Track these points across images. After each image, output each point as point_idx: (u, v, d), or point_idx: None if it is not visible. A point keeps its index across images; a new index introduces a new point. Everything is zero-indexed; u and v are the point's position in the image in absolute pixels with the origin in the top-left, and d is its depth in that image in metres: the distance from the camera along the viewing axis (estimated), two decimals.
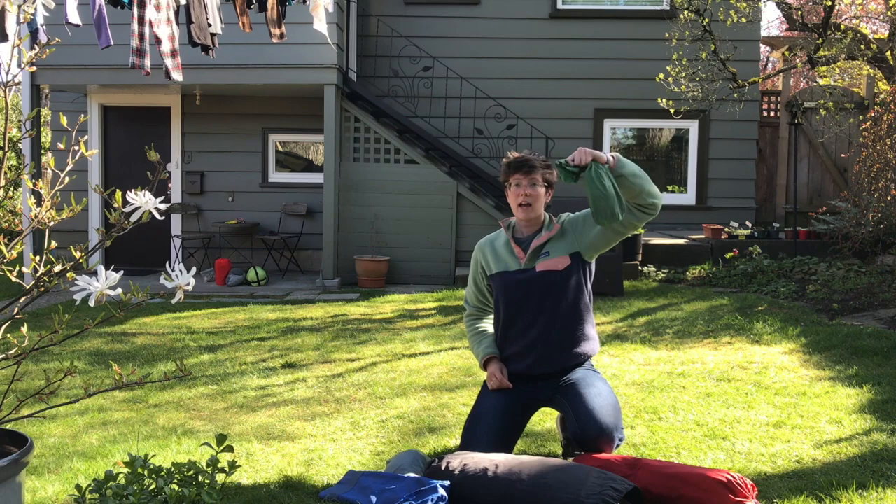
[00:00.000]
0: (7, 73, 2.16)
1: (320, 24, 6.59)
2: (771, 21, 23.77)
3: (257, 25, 6.79)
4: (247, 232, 9.95)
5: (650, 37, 9.84)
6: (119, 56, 7.37)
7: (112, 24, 6.58)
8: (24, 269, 2.19)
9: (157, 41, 5.72)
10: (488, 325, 3.42)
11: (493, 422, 3.11)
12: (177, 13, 6.01)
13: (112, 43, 5.71)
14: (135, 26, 5.64)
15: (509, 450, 3.12)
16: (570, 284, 3.17)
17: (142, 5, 5.62)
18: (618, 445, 3.05)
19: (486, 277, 3.34)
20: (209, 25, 6.19)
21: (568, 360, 3.19)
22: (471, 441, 3.09)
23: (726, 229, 9.01)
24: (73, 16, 5.38)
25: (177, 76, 5.88)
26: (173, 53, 5.83)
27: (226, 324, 6.52)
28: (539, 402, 3.25)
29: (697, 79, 8.45)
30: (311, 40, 7.70)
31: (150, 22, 5.65)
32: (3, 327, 2.20)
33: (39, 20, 5.18)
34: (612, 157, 2.99)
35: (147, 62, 5.75)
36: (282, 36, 6.53)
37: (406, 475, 2.82)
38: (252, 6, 6.56)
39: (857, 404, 3.85)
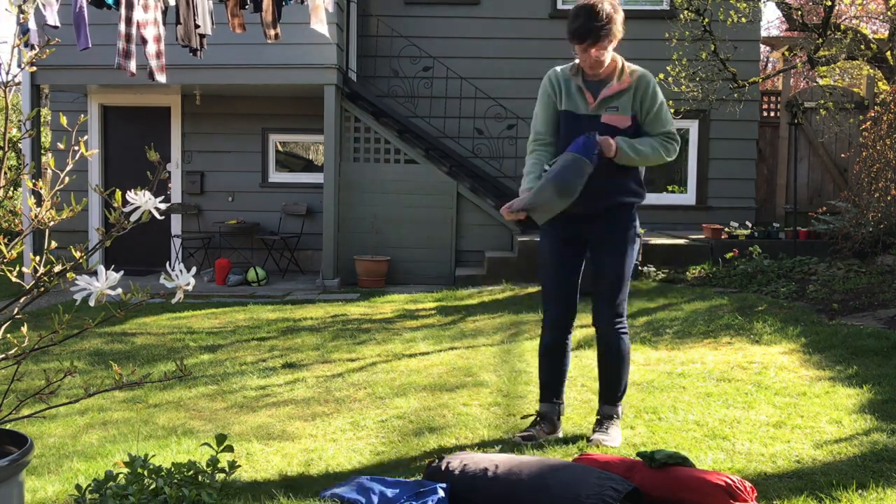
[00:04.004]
0: (7, 73, 2.16)
1: (319, 25, 6.58)
2: (771, 21, 23.78)
3: (256, 25, 6.79)
4: (247, 232, 9.95)
5: (650, 37, 9.82)
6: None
7: (105, 24, 6.57)
8: (24, 269, 2.19)
9: (143, 42, 5.71)
10: (544, 159, 3.45)
11: (551, 260, 3.46)
12: (164, 13, 5.99)
13: (90, 45, 5.70)
14: (122, 27, 5.63)
15: (574, 280, 3.44)
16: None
17: (129, 6, 5.61)
18: (619, 324, 3.40)
19: (555, 109, 3.41)
20: (197, 27, 6.18)
21: (607, 205, 3.35)
22: (543, 283, 3.54)
23: (726, 229, 9.01)
24: (52, 18, 5.38)
25: (160, 77, 5.86)
26: (158, 55, 5.82)
27: (226, 324, 6.52)
28: (580, 242, 3.45)
29: (697, 79, 8.45)
30: (311, 40, 7.70)
31: (138, 23, 5.64)
32: (3, 327, 2.20)
33: (31, 23, 5.18)
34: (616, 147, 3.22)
35: (132, 64, 5.75)
36: (276, 37, 6.52)
37: (406, 479, 2.83)
38: (247, 6, 6.56)
39: (857, 404, 3.85)
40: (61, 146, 2.22)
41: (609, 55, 3.29)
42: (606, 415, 3.47)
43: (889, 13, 8.30)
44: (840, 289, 6.75)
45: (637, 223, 3.46)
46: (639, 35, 10.26)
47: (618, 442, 3.35)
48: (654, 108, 3.32)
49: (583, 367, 4.77)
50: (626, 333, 3.45)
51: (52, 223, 2.16)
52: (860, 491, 2.77)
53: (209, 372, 4.88)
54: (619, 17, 3.25)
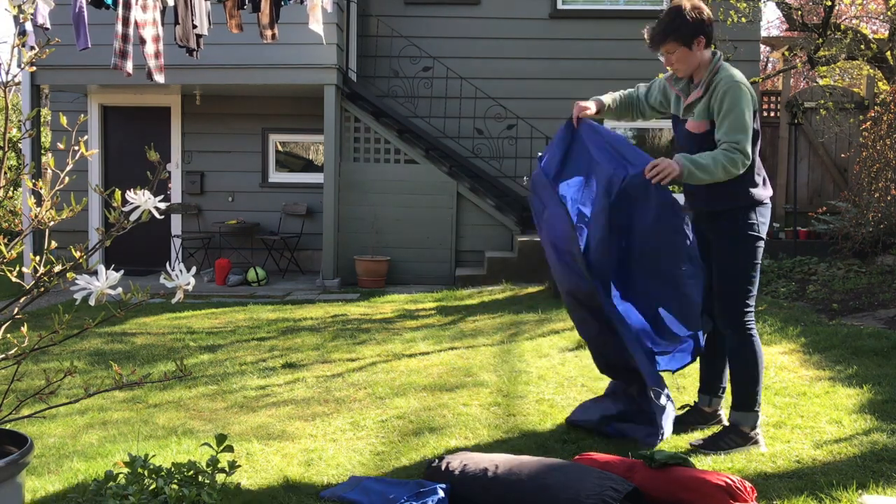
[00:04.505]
0: (7, 73, 2.16)
1: (316, 25, 6.58)
2: (771, 21, 23.75)
3: (255, 25, 6.79)
4: (247, 232, 9.95)
5: None
6: None
7: (104, 24, 6.56)
8: (24, 269, 2.19)
9: (142, 42, 5.71)
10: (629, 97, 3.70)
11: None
12: (163, 12, 5.99)
13: (90, 45, 5.70)
14: (118, 27, 5.62)
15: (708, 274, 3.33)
16: (708, 146, 3.24)
17: (127, 6, 5.60)
18: (731, 326, 3.27)
19: (660, 101, 3.59)
20: (194, 27, 6.18)
21: (705, 206, 3.35)
22: None
23: None
24: (44, 18, 5.38)
25: (159, 77, 5.85)
26: (157, 55, 5.82)
27: (226, 324, 6.52)
28: (705, 240, 3.38)
29: None
30: (311, 40, 7.70)
31: (137, 22, 5.63)
32: (3, 327, 2.20)
33: (28, 25, 5.17)
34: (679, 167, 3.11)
35: (129, 64, 5.74)
36: (273, 37, 6.52)
37: (406, 479, 2.83)
38: (245, 7, 6.56)
39: (857, 404, 3.85)
40: (61, 146, 2.22)
41: (685, 59, 3.33)
42: (731, 422, 3.31)
43: (889, 13, 8.30)
44: (840, 289, 6.75)
45: (751, 227, 3.25)
46: (639, 35, 10.27)
47: (724, 453, 3.18)
48: (723, 112, 3.17)
49: (583, 366, 4.77)
50: (741, 333, 3.26)
51: (52, 223, 2.16)
52: (860, 491, 2.77)
53: (209, 372, 4.88)
54: (691, 17, 3.30)
